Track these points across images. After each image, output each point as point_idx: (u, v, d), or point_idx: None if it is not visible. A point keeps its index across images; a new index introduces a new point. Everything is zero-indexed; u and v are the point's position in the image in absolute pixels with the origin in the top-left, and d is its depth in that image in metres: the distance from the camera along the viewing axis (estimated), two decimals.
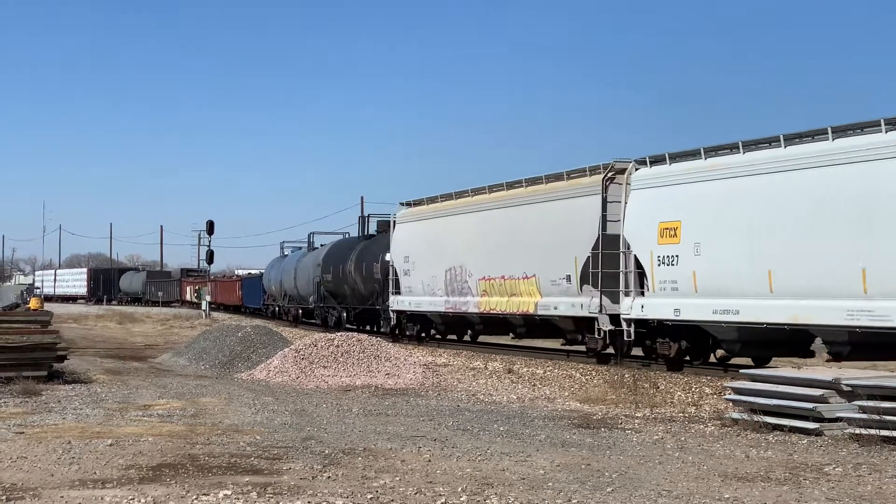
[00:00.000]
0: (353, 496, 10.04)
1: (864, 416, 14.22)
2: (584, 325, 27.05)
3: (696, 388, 20.73)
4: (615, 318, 25.44)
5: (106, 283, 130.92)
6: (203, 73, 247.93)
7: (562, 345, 30.44)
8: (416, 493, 10.25)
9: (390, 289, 37.97)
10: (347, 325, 45.75)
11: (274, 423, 15.68)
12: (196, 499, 9.87)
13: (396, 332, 38.47)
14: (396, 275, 37.73)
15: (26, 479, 10.90)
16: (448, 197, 35.19)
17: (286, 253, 66.19)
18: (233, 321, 52.00)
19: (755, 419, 15.42)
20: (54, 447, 12.92)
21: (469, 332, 35.87)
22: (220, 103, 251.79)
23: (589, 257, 25.93)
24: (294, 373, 24.15)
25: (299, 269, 55.40)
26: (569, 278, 27.09)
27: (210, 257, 77.84)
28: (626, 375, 22.07)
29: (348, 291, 45.04)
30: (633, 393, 19.77)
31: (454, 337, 37.16)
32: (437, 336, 37.47)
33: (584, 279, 26.37)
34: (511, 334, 32.40)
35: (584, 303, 26.36)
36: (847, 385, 14.70)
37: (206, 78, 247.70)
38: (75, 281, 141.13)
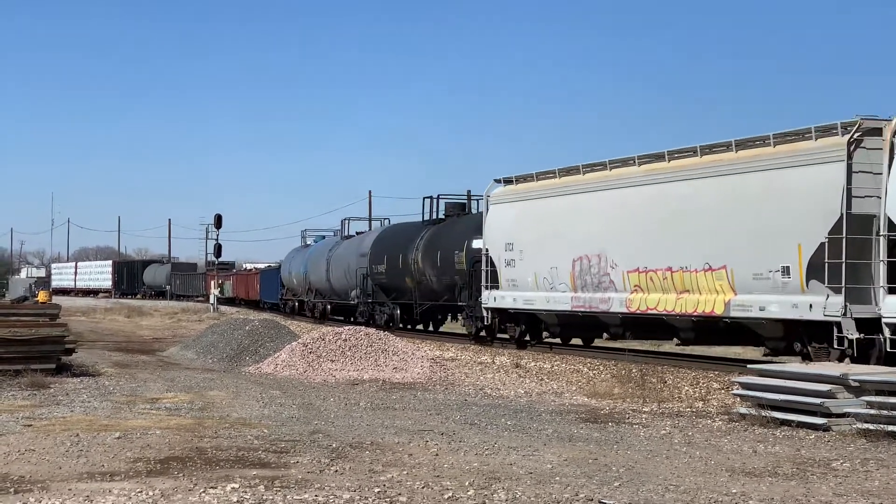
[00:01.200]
0: (360, 490, 10.04)
1: (871, 411, 14.20)
2: (801, 331, 21.54)
3: (703, 383, 20.71)
4: (866, 323, 19.75)
5: (130, 276, 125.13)
6: (212, 67, 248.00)
7: (763, 354, 24.11)
8: (423, 487, 10.25)
9: (483, 282, 31.61)
10: (402, 325, 41.18)
11: (281, 417, 15.70)
12: (204, 492, 9.88)
13: (482, 333, 32.85)
14: (492, 265, 31.38)
15: (34, 471, 10.92)
16: (570, 171, 28.76)
17: (308, 242, 61.42)
18: (240, 315, 52.00)
19: (763, 414, 15.41)
20: (62, 440, 12.95)
21: (603, 335, 28.57)
22: (229, 96, 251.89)
23: (823, 244, 20.31)
24: (301, 366, 24.18)
25: (334, 259, 50.03)
26: (786, 270, 21.29)
27: (218, 251, 77.89)
28: (634, 370, 22.05)
29: (411, 285, 39.09)
30: (640, 388, 19.75)
31: (578, 341, 31.30)
32: (550, 340, 31.30)
33: (811, 272, 20.75)
34: (675, 339, 26.10)
35: (814, 302, 20.60)
36: (855, 380, 14.68)
37: (215, 71, 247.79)
38: (99, 274, 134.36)
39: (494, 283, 31.44)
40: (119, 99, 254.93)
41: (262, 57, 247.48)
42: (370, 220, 60.51)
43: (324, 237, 59.08)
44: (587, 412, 17.37)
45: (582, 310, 27.44)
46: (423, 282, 37.77)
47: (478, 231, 32.64)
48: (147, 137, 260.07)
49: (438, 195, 39.51)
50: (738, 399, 16.65)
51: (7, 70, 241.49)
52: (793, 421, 15.06)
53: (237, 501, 9.51)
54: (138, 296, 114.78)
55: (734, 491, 10.42)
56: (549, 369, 24.75)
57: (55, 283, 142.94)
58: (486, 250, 31.80)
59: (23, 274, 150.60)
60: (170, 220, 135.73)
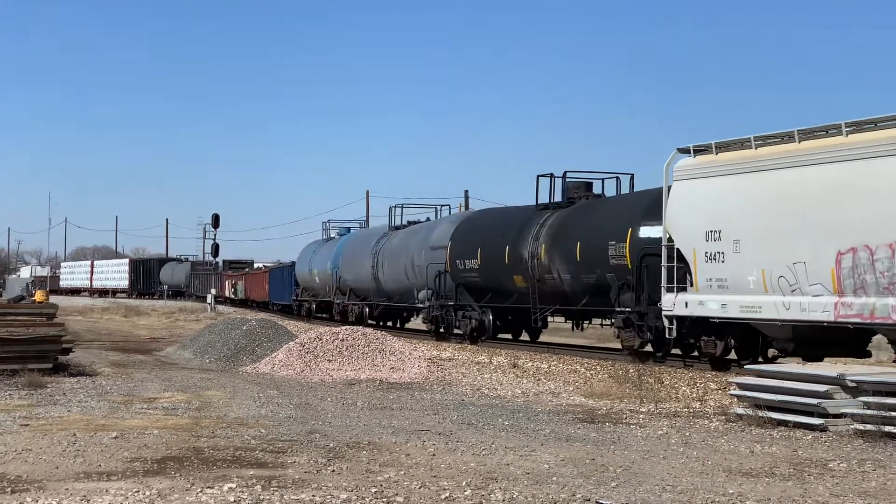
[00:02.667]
0: (357, 490, 10.04)
1: (868, 412, 14.22)
2: None
3: (700, 384, 20.71)
4: None
5: (146, 275, 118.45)
6: (208, 66, 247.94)
7: None
8: (420, 487, 10.25)
9: (664, 282, 23.91)
10: (493, 335, 33.77)
11: (278, 417, 15.69)
12: (201, 491, 9.87)
13: (649, 347, 25.72)
14: (682, 259, 23.66)
15: (31, 471, 10.92)
16: (816, 132, 21.05)
17: (332, 235, 53.93)
18: (238, 314, 51.94)
19: (760, 415, 15.42)
20: (59, 440, 12.94)
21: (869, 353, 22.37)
22: (226, 96, 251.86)
23: None
24: (299, 366, 24.18)
25: (385, 253, 42.10)
26: None
27: (215, 250, 77.87)
28: (631, 370, 22.05)
29: (522, 285, 30.56)
30: (637, 388, 19.76)
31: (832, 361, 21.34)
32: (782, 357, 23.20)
33: None
34: None
35: None
36: (852, 381, 14.70)
37: (212, 70, 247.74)
38: (115, 272, 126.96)
39: (681, 283, 23.78)
40: (116, 98, 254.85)
41: (261, 56, 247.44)
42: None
43: (349, 229, 53.23)
44: (584, 412, 17.37)
45: (856, 320, 19.78)
46: (546, 280, 29.21)
47: (649, 216, 25.10)
48: (144, 136, 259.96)
49: (565, 172, 30.49)
50: (736, 399, 16.66)
51: (4, 69, 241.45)
52: (790, 421, 15.07)
53: (234, 501, 9.50)
54: (156, 296, 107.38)
55: (731, 491, 10.43)
56: (547, 369, 24.74)
57: (66, 283, 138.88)
58: (670, 240, 23.94)
59: (24, 273, 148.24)
60: (167, 219, 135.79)
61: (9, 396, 17.85)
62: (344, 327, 27.49)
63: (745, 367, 18.53)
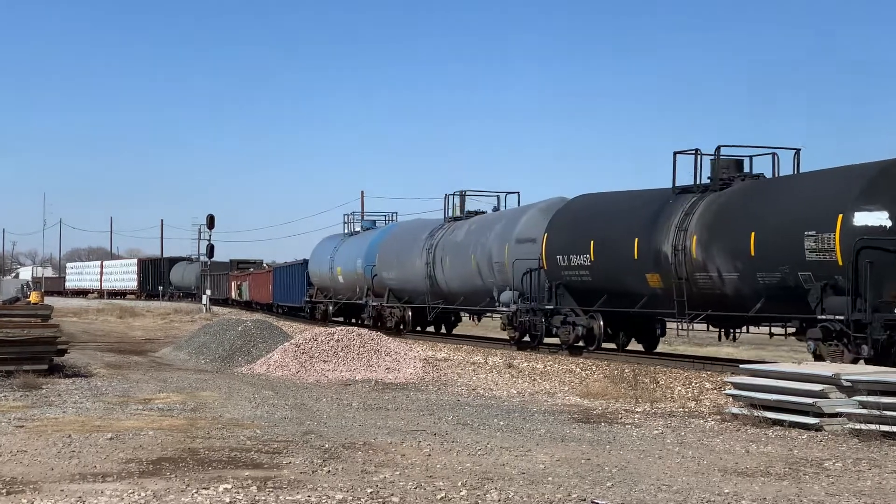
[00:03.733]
0: (352, 490, 10.03)
1: (864, 411, 14.24)
2: None
3: (696, 383, 20.72)
4: None
5: (156, 275, 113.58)
6: (205, 67, 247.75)
7: None
8: (416, 488, 10.25)
9: None
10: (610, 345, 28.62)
11: (274, 418, 15.69)
12: (196, 492, 9.86)
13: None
14: None
15: (26, 472, 10.90)
16: None
17: (357, 229, 48.51)
18: (233, 315, 51.74)
19: (755, 414, 15.44)
20: (54, 441, 12.93)
21: None
22: (220, 96, 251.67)
23: None
24: (294, 367, 24.17)
25: (445, 247, 35.71)
26: None
27: (210, 251, 77.84)
28: (627, 370, 22.07)
29: (657, 285, 24.83)
30: (633, 388, 19.77)
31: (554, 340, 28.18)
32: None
33: None
34: None
35: None
36: (847, 380, 14.71)
37: (208, 71, 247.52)
38: (124, 273, 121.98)
39: None
40: (112, 99, 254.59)
41: (259, 57, 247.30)
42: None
43: (374, 222, 48.11)
44: (580, 412, 17.38)
45: None
46: (698, 280, 23.54)
47: (868, 198, 19.93)
48: (140, 138, 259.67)
49: (718, 147, 24.55)
50: (731, 399, 16.67)
51: None
52: (785, 421, 15.09)
53: (230, 502, 9.49)
54: (165, 298, 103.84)
55: (727, 491, 10.43)
56: (542, 370, 24.74)
57: (72, 284, 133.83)
58: None
59: (25, 274, 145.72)
60: (162, 220, 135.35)
61: (4, 398, 17.82)
62: (339, 328, 27.46)
63: (740, 366, 18.55)
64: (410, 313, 39.21)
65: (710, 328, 25.46)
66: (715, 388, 19.69)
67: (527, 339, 30.36)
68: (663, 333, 28.90)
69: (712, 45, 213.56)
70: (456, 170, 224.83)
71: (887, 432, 13.77)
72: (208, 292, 73.87)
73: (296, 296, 55.62)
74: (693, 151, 24.62)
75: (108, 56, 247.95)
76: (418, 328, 40.12)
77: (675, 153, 25.09)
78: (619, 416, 16.91)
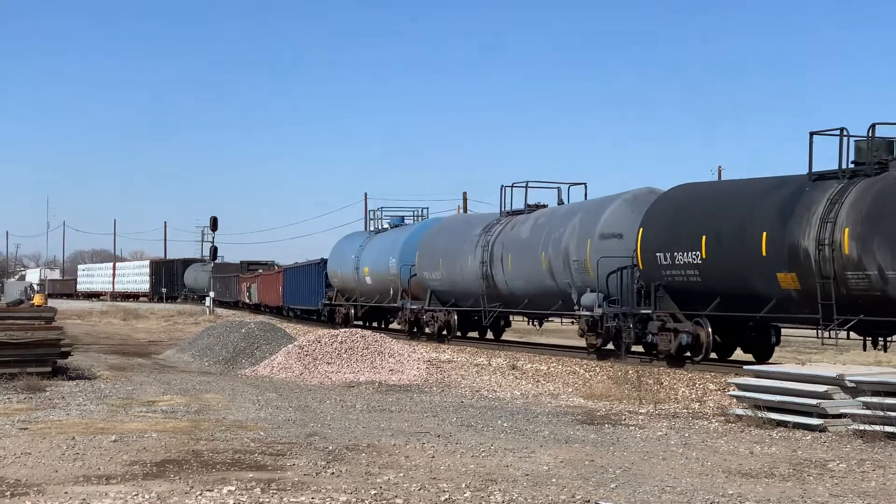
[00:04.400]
0: (356, 492, 10.04)
1: (868, 412, 14.22)
2: None
3: (699, 385, 20.71)
4: None
5: (169, 278, 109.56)
6: (207, 67, 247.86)
7: None
8: (419, 490, 10.25)
9: None
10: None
11: (277, 419, 15.69)
12: (200, 494, 9.87)
13: None
14: None
15: (30, 474, 10.91)
16: None
17: (385, 226, 44.37)
18: (236, 318, 51.67)
19: (759, 415, 15.42)
20: (58, 443, 12.94)
21: None
22: (224, 98, 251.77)
23: None
24: (298, 369, 24.17)
25: (507, 243, 31.62)
26: None
27: (214, 254, 77.83)
28: (630, 371, 22.05)
29: (794, 288, 21.37)
30: (636, 389, 19.76)
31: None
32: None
33: None
34: None
35: None
36: (851, 381, 14.69)
37: (210, 72, 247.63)
38: (136, 275, 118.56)
39: None
40: (114, 101, 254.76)
41: (260, 58, 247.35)
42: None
43: (402, 219, 44.10)
44: (583, 414, 17.37)
45: None
46: (849, 280, 20.25)
47: None
48: (142, 140, 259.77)
49: (873, 124, 20.89)
50: (735, 400, 16.66)
51: (2, 73, 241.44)
52: (789, 422, 15.08)
53: None
54: (178, 300, 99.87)
55: (731, 492, 10.42)
56: (546, 371, 24.74)
57: (84, 286, 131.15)
58: None
59: (32, 276, 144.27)
60: (165, 222, 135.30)
61: (7, 400, 17.84)
62: (343, 329, 27.44)
63: (744, 367, 18.54)
64: (456, 317, 35.09)
65: (852, 336, 21.81)
66: (719, 390, 19.68)
67: (610, 346, 27.11)
68: (777, 342, 25.23)
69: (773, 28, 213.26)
70: (458, 171, 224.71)
71: (891, 433, 13.76)
72: (212, 294, 73.86)
73: (311, 298, 52.00)
74: (836, 131, 21.16)
75: (111, 57, 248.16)
76: (456, 334, 35.54)
77: (811, 133, 21.59)
78: (623, 417, 16.90)
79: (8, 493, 9.92)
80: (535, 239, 30.04)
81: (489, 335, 36.16)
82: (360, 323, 44.43)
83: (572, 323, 31.43)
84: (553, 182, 33.30)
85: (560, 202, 32.44)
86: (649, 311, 24.98)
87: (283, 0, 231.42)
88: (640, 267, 25.38)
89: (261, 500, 9.67)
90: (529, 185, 33.11)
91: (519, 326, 39.04)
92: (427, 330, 36.38)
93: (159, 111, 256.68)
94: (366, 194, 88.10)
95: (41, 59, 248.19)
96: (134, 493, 9.90)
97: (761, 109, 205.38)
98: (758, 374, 16.69)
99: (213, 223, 73.14)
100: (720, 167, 67.64)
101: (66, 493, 9.98)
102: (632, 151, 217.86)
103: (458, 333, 35.73)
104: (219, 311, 70.67)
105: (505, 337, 36.65)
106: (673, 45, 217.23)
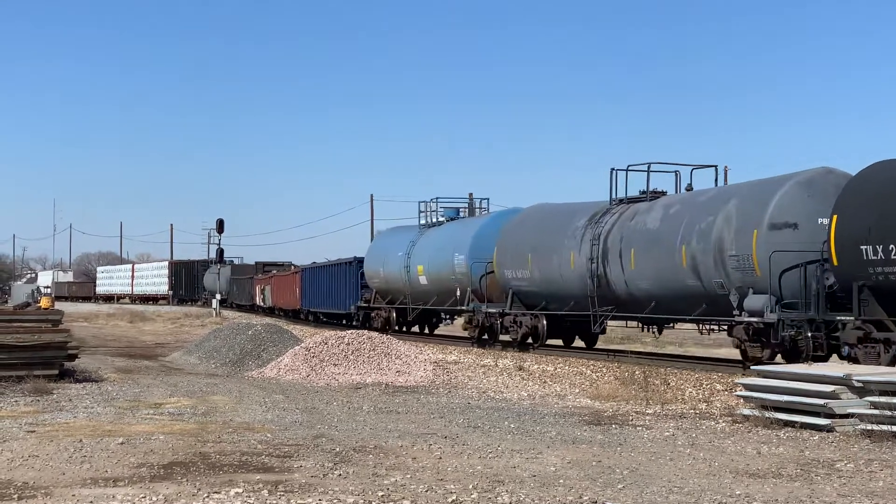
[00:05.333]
0: (363, 494, 10.04)
1: (875, 412, 14.19)
2: None
3: (706, 385, 20.70)
4: None
5: (188, 280, 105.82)
6: (211, 70, 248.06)
7: None
8: (426, 491, 10.25)
9: None
10: None
11: (285, 421, 15.70)
12: (207, 497, 9.88)
13: None
14: None
15: (38, 477, 10.93)
16: None
17: (441, 219, 39.69)
18: (243, 319, 51.58)
19: (766, 415, 15.40)
20: (66, 446, 12.95)
21: None
22: (230, 99, 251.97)
23: None
24: (304, 371, 24.19)
25: (631, 236, 26.72)
26: None
27: (220, 256, 77.92)
28: (637, 372, 22.04)
29: None
30: (643, 390, 19.74)
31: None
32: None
33: None
34: None
35: None
36: (858, 381, 14.67)
37: (215, 73, 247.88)
38: (155, 277, 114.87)
39: None
40: (120, 104, 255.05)
41: (264, 59, 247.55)
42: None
43: (458, 211, 39.79)
44: (590, 414, 17.36)
45: None
46: None
47: None
48: (148, 141, 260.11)
49: None
50: (742, 400, 16.64)
51: (8, 76, 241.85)
52: (796, 422, 15.05)
53: None
54: (199, 303, 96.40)
55: (738, 492, 10.41)
56: (552, 372, 24.73)
57: (103, 289, 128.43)
58: None
59: (44, 279, 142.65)
60: (172, 224, 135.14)
61: (15, 403, 17.86)
62: (350, 331, 27.44)
63: (751, 367, 18.52)
64: (545, 323, 30.63)
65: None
66: (726, 390, 19.67)
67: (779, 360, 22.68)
68: None
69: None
70: (462, 173, 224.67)
71: None
72: (218, 296, 73.87)
73: (340, 300, 47.56)
74: None
75: (115, 60, 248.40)
76: (545, 342, 30.99)
77: None
78: (630, 417, 16.89)
79: (15, 496, 9.94)
80: (670, 230, 25.18)
81: (576, 342, 32.26)
82: (400, 328, 41.38)
83: (709, 332, 26.90)
84: (677, 163, 28.38)
85: (689, 188, 27.23)
86: (849, 318, 20.66)
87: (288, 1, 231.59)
88: (835, 263, 20.88)
89: (268, 501, 9.67)
90: (654, 168, 28.11)
91: (615, 334, 35.46)
92: (505, 337, 31.97)
93: (165, 113, 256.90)
94: (372, 196, 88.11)
95: (46, 61, 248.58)
96: (141, 496, 9.91)
97: None
98: (765, 375, 16.67)
99: (220, 225, 73.25)
100: None
101: (73, 495, 9.99)
102: (632, 153, 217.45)
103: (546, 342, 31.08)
104: (225, 313, 70.70)
105: (611, 347, 31.61)
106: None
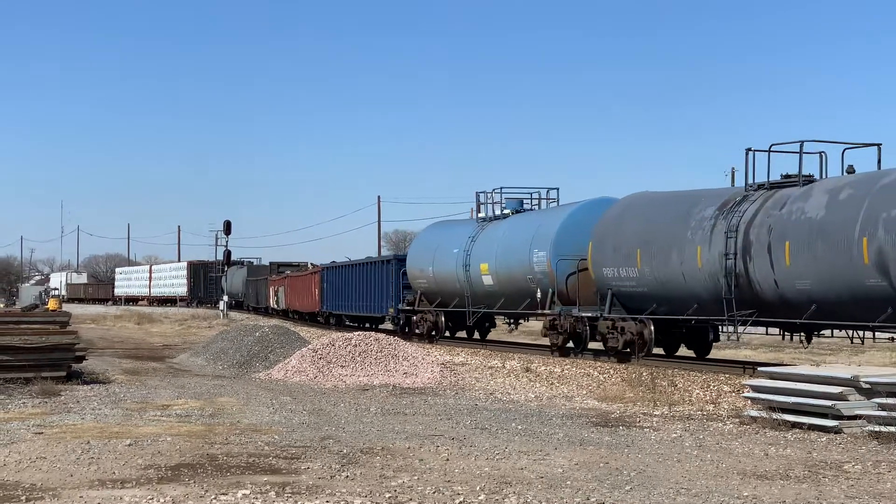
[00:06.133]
0: (371, 495, 10.04)
1: (883, 413, 14.18)
2: None
3: (714, 386, 20.68)
4: None
5: (206, 281, 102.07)
6: (217, 71, 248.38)
7: None
8: (434, 493, 10.25)
9: None
10: None
11: (292, 423, 15.71)
12: (215, 498, 9.89)
13: None
14: None
15: (46, 479, 10.94)
16: None
17: (506, 211, 34.50)
18: (250, 321, 51.59)
19: (774, 417, 15.39)
20: (73, 447, 12.97)
21: None
22: (236, 101, 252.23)
23: None
24: (312, 372, 24.20)
25: (789, 226, 21.86)
26: None
27: (227, 257, 78.01)
28: (644, 374, 22.02)
29: None
30: (651, 391, 19.74)
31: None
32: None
33: None
34: None
35: None
36: (866, 382, 14.65)
37: (221, 75, 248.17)
38: (173, 279, 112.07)
39: None
40: (128, 106, 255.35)
41: (268, 61, 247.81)
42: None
43: (521, 202, 34.73)
44: (598, 416, 17.35)
45: None
46: None
47: None
48: (155, 143, 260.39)
49: None
50: (749, 402, 16.63)
51: (14, 79, 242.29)
52: (804, 423, 15.03)
53: None
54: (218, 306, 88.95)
55: (746, 494, 10.40)
56: (560, 373, 24.72)
57: (122, 291, 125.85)
58: None
59: (56, 280, 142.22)
60: (179, 226, 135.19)
61: (23, 404, 17.89)
62: (356, 332, 27.44)
63: (759, 369, 18.50)
64: (653, 328, 25.95)
65: None
66: (733, 391, 19.65)
67: None
68: None
69: None
70: (465, 177, 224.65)
71: None
72: (225, 298, 73.94)
73: (374, 302, 43.47)
74: None
75: (123, 62, 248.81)
76: (652, 351, 26.35)
77: None
78: (638, 419, 16.88)
79: (24, 498, 9.96)
80: (843, 219, 20.69)
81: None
82: (452, 335, 37.71)
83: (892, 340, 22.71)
84: (831, 141, 23.51)
85: (850, 169, 22.63)
86: None
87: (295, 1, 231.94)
88: None
89: (275, 503, 9.68)
90: (808, 147, 23.01)
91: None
92: (595, 345, 27.81)
93: (172, 115, 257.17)
94: (379, 197, 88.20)
95: (54, 63, 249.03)
96: (149, 498, 9.93)
97: None
98: (772, 376, 16.66)
99: (227, 227, 73.31)
100: None
101: (81, 497, 10.01)
102: (627, 155, 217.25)
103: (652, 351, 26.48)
104: (232, 314, 70.75)
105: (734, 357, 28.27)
106: None
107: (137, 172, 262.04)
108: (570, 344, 29.06)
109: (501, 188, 34.95)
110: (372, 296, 43.62)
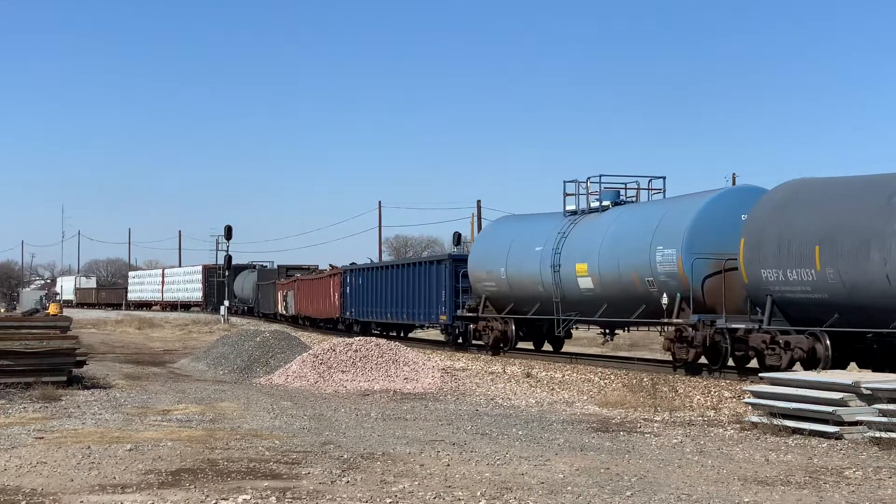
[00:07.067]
0: (371, 500, 10.04)
1: (884, 419, 14.17)
2: None
3: (715, 392, 20.68)
4: None
5: (220, 285, 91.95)
6: (218, 75, 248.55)
7: None
8: (434, 498, 10.25)
9: None
10: None
11: (293, 428, 15.71)
12: (215, 503, 9.89)
13: None
14: None
15: (46, 484, 10.94)
16: None
17: (606, 203, 29.71)
18: (251, 326, 51.56)
19: (775, 423, 15.39)
20: (74, 452, 12.97)
21: None
22: (237, 107, 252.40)
23: None
24: (312, 377, 24.20)
25: None
26: None
27: (228, 262, 78.04)
28: (645, 379, 22.01)
29: None
30: (651, 397, 19.74)
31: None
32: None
33: None
34: None
35: None
36: (867, 388, 14.65)
37: (222, 78, 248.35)
38: (188, 283, 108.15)
39: None
40: (128, 110, 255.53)
41: (270, 62, 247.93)
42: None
43: (618, 193, 29.89)
44: (598, 421, 17.35)
45: None
46: None
47: None
48: (156, 147, 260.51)
49: None
50: (750, 407, 16.62)
51: (15, 82, 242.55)
52: (805, 429, 15.03)
53: None
54: (235, 312, 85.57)
55: (747, 500, 10.40)
56: (560, 378, 24.72)
57: (134, 296, 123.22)
58: None
59: (67, 283, 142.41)
60: (180, 231, 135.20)
61: (23, 409, 17.89)
62: (358, 338, 27.42)
63: (760, 374, 18.49)
64: (828, 342, 21.20)
65: None
66: (734, 397, 19.65)
67: None
68: None
69: None
70: (468, 179, 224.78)
71: None
72: (226, 303, 73.92)
73: (421, 309, 39.01)
74: None
75: (123, 65, 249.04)
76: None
77: None
78: (638, 425, 16.88)
79: (24, 503, 9.96)
80: None
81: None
82: (529, 346, 33.70)
83: None
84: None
85: None
86: None
87: (295, 3, 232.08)
88: None
89: None
90: None
91: None
92: (770, 363, 22.35)
93: (174, 119, 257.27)
94: (380, 202, 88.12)
95: (53, 66, 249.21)
96: (149, 502, 9.93)
97: None
98: (773, 382, 16.66)
99: (228, 232, 73.40)
100: None
101: (81, 502, 10.01)
102: (629, 155, 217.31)
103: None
104: (233, 319, 70.72)
105: None
106: None
107: (138, 177, 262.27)
108: (703, 360, 24.55)
109: (600, 175, 29.79)
110: (415, 301, 39.21)
